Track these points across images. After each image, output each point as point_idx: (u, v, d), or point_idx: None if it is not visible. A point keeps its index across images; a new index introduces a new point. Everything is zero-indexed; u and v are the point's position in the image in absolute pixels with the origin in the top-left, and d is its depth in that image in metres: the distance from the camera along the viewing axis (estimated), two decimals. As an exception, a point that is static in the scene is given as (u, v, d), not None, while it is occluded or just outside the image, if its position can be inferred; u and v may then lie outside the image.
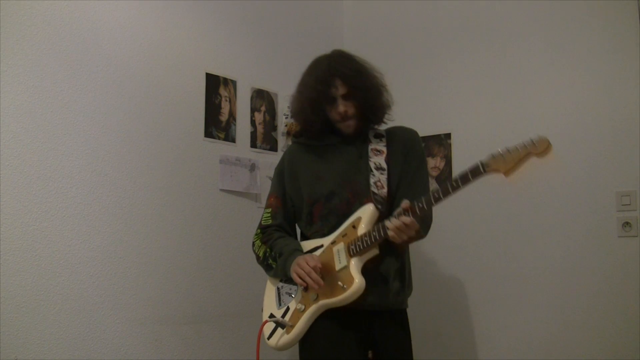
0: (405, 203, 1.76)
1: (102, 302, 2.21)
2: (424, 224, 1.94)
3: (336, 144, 2.06)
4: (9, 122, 2.03)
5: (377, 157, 2.01)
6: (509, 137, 2.66)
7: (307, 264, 1.89)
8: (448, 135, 2.87)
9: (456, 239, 2.83)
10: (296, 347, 1.99)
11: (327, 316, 1.91)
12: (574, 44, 2.56)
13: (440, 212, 2.82)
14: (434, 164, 2.89)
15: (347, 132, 2.04)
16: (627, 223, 2.38)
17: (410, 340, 2.04)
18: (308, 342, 1.95)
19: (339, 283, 1.84)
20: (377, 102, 2.03)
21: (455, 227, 2.83)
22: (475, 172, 1.63)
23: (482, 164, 1.62)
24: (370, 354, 1.92)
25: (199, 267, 2.54)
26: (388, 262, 1.95)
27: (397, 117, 2.11)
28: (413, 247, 2.09)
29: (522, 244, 2.63)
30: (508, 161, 1.55)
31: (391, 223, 1.76)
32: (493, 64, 2.76)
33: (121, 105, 2.35)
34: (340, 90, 1.97)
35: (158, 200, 2.43)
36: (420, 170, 2.03)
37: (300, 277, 1.90)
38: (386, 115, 2.08)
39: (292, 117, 2.18)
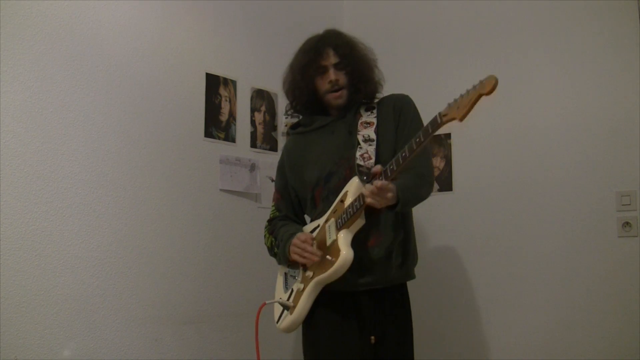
0: (376, 167, 1.79)
1: (102, 302, 2.21)
2: (424, 183, 1.95)
3: (328, 124, 2.08)
4: (9, 122, 2.03)
5: (366, 130, 2.01)
6: (509, 137, 2.73)
7: (299, 240, 1.94)
8: (448, 135, 2.87)
9: (456, 239, 2.83)
10: (297, 345, 2.00)
11: (328, 304, 1.94)
12: (574, 44, 2.56)
13: (440, 212, 2.86)
14: (434, 163, 2.89)
15: (337, 104, 2.05)
16: (627, 223, 2.38)
17: (411, 318, 2.06)
18: (310, 334, 1.99)
19: (328, 257, 1.87)
20: (368, 75, 2.04)
21: (456, 227, 2.83)
22: (435, 123, 1.65)
23: (440, 115, 1.64)
24: (372, 339, 1.93)
25: (199, 267, 2.54)
26: (391, 236, 1.96)
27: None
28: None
29: (522, 243, 2.63)
30: (461, 107, 1.58)
31: (366, 189, 1.77)
32: (493, 64, 2.76)
33: (121, 105, 2.35)
34: (332, 59, 2.01)
35: (158, 200, 2.43)
36: (414, 130, 1.99)
37: (299, 255, 1.94)
38: (377, 94, 2.10)
39: (284, 92, 2.18)
